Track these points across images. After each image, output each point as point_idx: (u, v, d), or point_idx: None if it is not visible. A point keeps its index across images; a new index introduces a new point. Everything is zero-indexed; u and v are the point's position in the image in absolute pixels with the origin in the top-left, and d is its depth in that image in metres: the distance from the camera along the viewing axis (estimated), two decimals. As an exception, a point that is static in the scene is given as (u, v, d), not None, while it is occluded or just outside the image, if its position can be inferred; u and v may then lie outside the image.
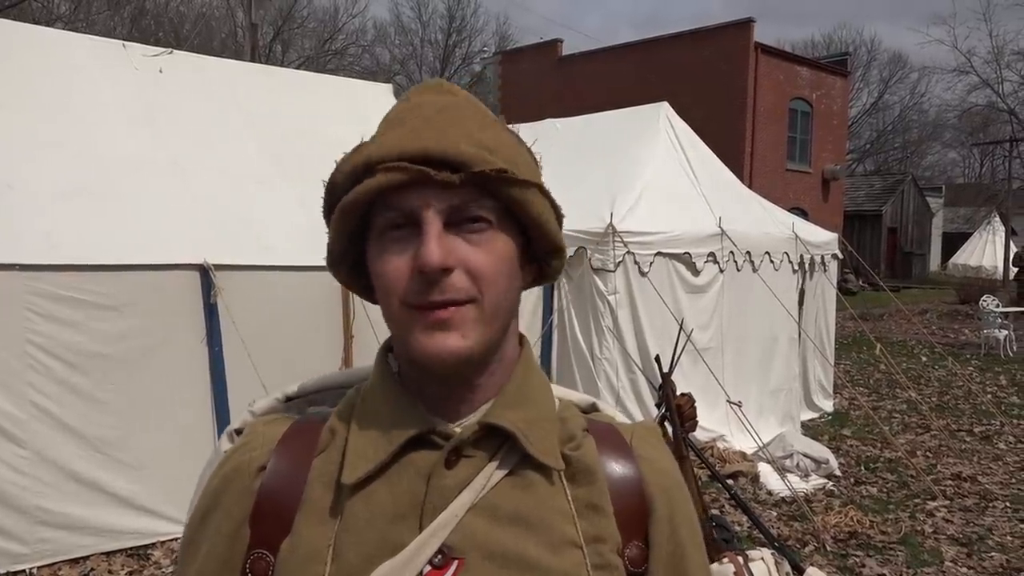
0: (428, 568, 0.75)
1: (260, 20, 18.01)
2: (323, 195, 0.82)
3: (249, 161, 5.69)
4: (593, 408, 0.94)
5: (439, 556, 0.75)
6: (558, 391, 0.91)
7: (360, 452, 0.78)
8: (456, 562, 0.75)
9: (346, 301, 5.22)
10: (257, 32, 16.38)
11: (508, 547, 0.76)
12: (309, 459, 0.81)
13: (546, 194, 0.82)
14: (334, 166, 0.80)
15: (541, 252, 0.83)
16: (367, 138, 0.80)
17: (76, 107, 5.20)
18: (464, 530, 0.76)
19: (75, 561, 4.32)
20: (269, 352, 4.63)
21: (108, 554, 4.38)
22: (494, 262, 0.76)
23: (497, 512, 0.77)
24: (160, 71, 5.90)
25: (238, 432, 0.89)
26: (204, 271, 4.70)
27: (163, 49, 6.22)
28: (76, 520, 4.31)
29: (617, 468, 0.85)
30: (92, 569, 4.30)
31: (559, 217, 0.84)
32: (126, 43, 6.11)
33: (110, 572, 4.23)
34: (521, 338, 0.87)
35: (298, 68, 24.78)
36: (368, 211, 0.78)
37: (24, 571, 4.18)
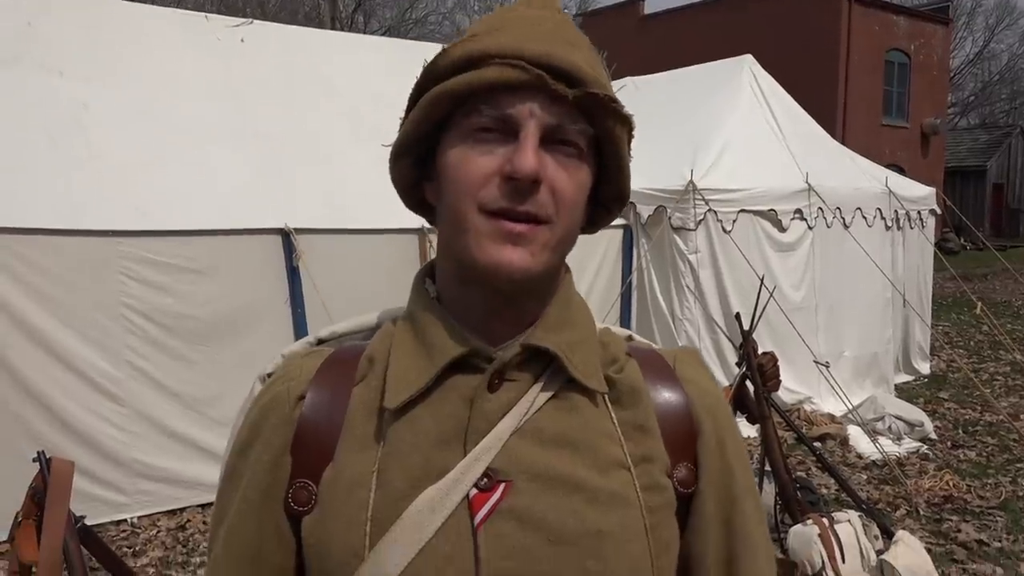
0: (474, 491, 0.74)
1: (341, -10, 18.20)
2: (417, 75, 0.79)
3: (328, 126, 5.76)
4: (630, 339, 0.92)
5: (485, 479, 0.74)
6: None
7: (402, 377, 0.77)
8: (503, 485, 0.74)
9: (423, 262, 5.26)
10: (337, 3, 16.57)
11: (555, 469, 0.75)
12: (348, 388, 0.80)
13: (632, 137, 0.81)
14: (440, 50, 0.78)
15: (607, 197, 0.82)
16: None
17: (161, 78, 5.36)
18: (509, 453, 0.75)
19: (172, 512, 4.55)
20: (349, 313, 4.69)
21: (203, 506, 4.57)
22: (575, 189, 0.75)
23: (542, 435, 0.76)
24: (241, 41, 6.03)
25: (271, 376, 0.87)
26: (286, 235, 4.80)
27: (243, 20, 6.34)
28: (172, 473, 4.53)
29: (663, 391, 0.84)
30: (188, 520, 4.51)
31: None
32: (208, 15, 6.26)
33: (205, 523, 4.42)
34: (565, 266, 0.85)
35: (380, 37, 24.97)
36: (456, 105, 0.75)
37: (125, 520, 4.42)
